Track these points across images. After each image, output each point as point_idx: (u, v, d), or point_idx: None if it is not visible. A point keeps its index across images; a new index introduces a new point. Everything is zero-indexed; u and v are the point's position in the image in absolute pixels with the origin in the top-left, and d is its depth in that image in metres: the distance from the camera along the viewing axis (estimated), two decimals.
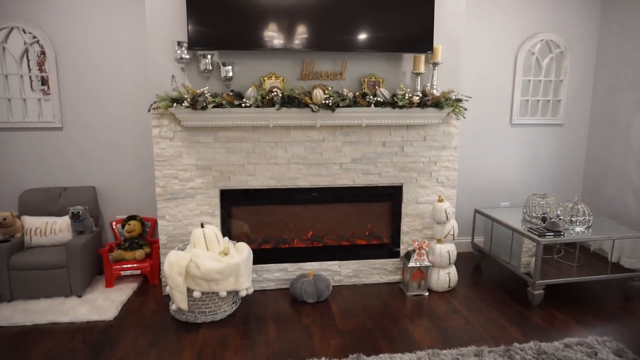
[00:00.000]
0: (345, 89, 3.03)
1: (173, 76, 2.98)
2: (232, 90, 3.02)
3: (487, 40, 3.86)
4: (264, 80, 3.08)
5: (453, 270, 3.37)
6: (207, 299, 2.81)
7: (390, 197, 3.44)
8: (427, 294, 3.31)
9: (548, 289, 3.26)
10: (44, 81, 3.48)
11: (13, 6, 3.31)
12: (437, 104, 3.09)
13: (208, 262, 2.74)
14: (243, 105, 2.92)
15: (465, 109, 3.22)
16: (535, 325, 2.87)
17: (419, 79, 3.20)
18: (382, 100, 3.03)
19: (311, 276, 3.20)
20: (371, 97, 3.03)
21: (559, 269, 3.27)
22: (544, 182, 4.23)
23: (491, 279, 3.60)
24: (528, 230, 3.19)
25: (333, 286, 3.39)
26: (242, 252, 2.96)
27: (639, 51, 3.63)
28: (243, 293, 2.89)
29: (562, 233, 3.13)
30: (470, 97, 3.31)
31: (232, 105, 2.92)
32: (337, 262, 3.42)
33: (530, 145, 4.12)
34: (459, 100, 3.16)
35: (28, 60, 3.46)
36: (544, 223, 3.29)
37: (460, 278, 3.56)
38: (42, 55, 3.44)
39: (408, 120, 3.17)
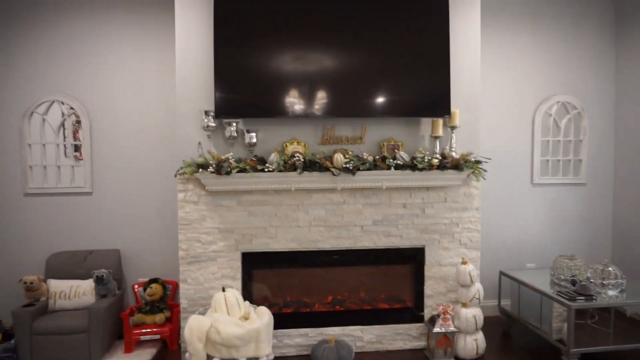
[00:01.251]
0: (365, 153, 3.10)
1: (200, 143, 3.11)
2: (255, 156, 3.12)
3: (504, 102, 3.95)
4: (286, 146, 3.18)
5: (480, 336, 3.24)
6: None
7: (412, 259, 3.39)
8: None
9: (583, 358, 3.08)
10: (77, 148, 3.67)
11: (54, 80, 3.57)
12: (457, 166, 3.12)
13: (229, 327, 2.70)
14: (266, 170, 3.00)
15: (485, 170, 3.24)
16: None
17: (437, 142, 3.26)
18: (401, 163, 3.09)
19: (333, 342, 3.11)
20: (391, 160, 3.09)
21: (594, 336, 3.11)
22: (570, 243, 4.12)
23: (521, 345, 3.44)
24: (557, 294, 3.08)
25: (355, 353, 3.28)
26: (263, 316, 2.92)
27: None
28: (263, 359, 2.82)
29: (593, 297, 3.01)
30: (489, 159, 3.35)
31: (255, 170, 3.00)
32: (359, 327, 3.33)
33: (553, 205, 4.07)
34: (479, 162, 3.19)
35: (64, 129, 3.67)
36: (573, 286, 3.18)
37: (489, 344, 3.41)
38: (77, 124, 3.65)
39: (428, 182, 3.20)
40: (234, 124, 3.07)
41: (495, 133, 3.94)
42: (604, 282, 3.21)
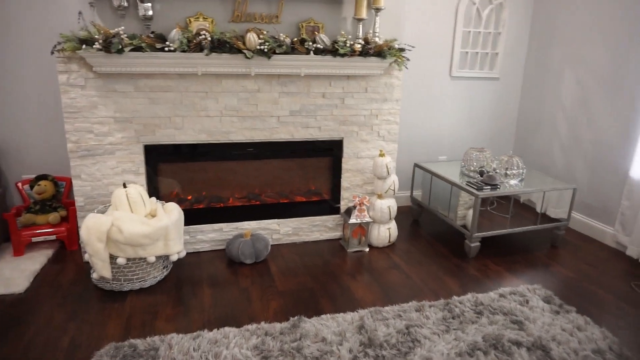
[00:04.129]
0: (282, 34, 2.76)
1: (80, 12, 2.55)
2: (153, 32, 2.65)
3: None
4: (190, 22, 2.73)
5: (393, 225, 3.34)
6: (134, 265, 2.56)
7: (330, 151, 3.29)
8: (367, 249, 3.27)
9: (483, 241, 3.33)
10: None
11: None
12: (380, 53, 2.93)
13: (132, 225, 2.47)
14: (166, 49, 2.58)
15: (408, 59, 3.09)
16: (472, 277, 2.93)
17: (360, 26, 2.99)
18: (322, 47, 2.81)
19: (248, 236, 3.03)
20: (310, 43, 2.80)
21: (493, 221, 3.34)
22: (480, 136, 4.28)
23: (430, 232, 3.64)
24: (466, 184, 3.21)
25: (272, 245, 3.25)
26: (172, 213, 2.71)
27: (571, 6, 3.65)
28: (174, 257, 2.67)
29: (498, 186, 3.17)
30: (413, 47, 3.18)
31: (153, 48, 2.57)
32: (276, 220, 3.27)
33: (468, 99, 4.11)
34: (402, 50, 3.02)
35: None
36: (481, 176, 3.32)
37: (400, 232, 3.56)
38: None
39: (349, 70, 2.99)
40: None
41: (418, 21, 3.75)
42: (508, 172, 3.39)
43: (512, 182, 3.35)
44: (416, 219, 3.90)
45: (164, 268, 2.74)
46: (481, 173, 3.34)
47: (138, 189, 2.67)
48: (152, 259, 2.55)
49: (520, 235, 3.60)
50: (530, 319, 2.44)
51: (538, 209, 3.76)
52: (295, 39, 2.81)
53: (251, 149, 3.10)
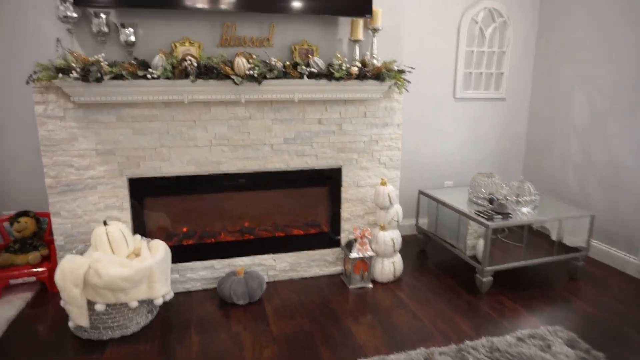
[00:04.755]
0: (273, 58, 2.60)
1: (58, 40, 2.40)
2: (135, 58, 2.49)
3: (429, 5, 3.55)
4: (176, 47, 2.58)
5: (398, 258, 3.10)
6: (114, 312, 2.34)
7: (328, 180, 3.08)
8: (371, 286, 3.02)
9: (495, 274, 3.08)
10: None
11: None
12: (378, 75, 2.75)
13: (112, 268, 2.25)
14: (149, 76, 2.41)
15: (409, 82, 2.91)
16: (485, 316, 2.67)
17: (357, 48, 2.83)
18: (316, 71, 2.64)
19: (242, 274, 2.80)
20: (304, 67, 2.63)
21: (505, 251, 3.09)
22: (487, 160, 4.06)
23: (437, 264, 3.39)
24: (476, 213, 2.98)
25: (268, 282, 3.02)
26: (157, 251, 2.50)
27: (580, 23, 3.48)
28: (159, 301, 2.44)
29: (510, 215, 2.94)
30: (413, 69, 3.00)
31: (135, 76, 2.40)
32: (272, 255, 3.04)
33: (474, 121, 3.92)
34: (402, 72, 2.84)
35: None
36: (491, 204, 3.09)
37: (406, 265, 3.32)
38: None
39: (346, 94, 2.81)
40: (103, 16, 2.38)
41: (419, 41, 3.58)
42: (519, 199, 3.16)
43: (525, 209, 3.12)
44: (422, 249, 3.66)
45: (148, 312, 2.51)
46: (491, 201, 3.12)
47: (120, 227, 2.46)
48: (134, 304, 2.33)
49: (535, 266, 3.34)
50: None
51: (553, 237, 3.51)
52: (288, 62, 2.64)
53: (243, 180, 2.91)
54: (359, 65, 2.71)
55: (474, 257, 3.03)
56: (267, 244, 3.05)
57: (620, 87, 3.22)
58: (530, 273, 3.23)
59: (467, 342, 2.37)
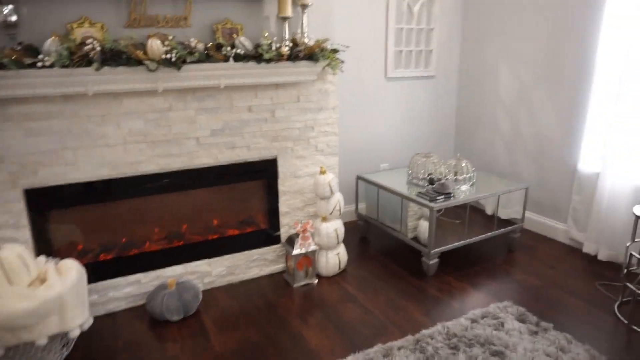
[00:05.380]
0: (193, 39, 2.27)
1: None
2: (20, 43, 2.04)
3: None
4: (73, 28, 2.15)
5: (342, 249, 2.95)
6: (18, 355, 1.93)
7: (263, 173, 2.83)
8: (316, 281, 2.85)
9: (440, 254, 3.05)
10: None
11: None
12: (312, 56, 2.52)
13: (8, 302, 1.84)
14: (40, 64, 1.98)
15: (343, 62, 2.71)
16: (436, 300, 2.61)
17: (286, 26, 2.57)
18: (243, 52, 2.35)
19: (173, 286, 2.49)
20: (229, 48, 2.33)
21: (447, 231, 3.05)
22: (422, 139, 4.03)
23: (381, 250, 3.29)
24: (418, 195, 2.90)
25: (204, 291, 2.72)
26: (68, 274, 2.10)
27: None
28: (75, 332, 2.06)
29: (452, 194, 2.90)
30: (347, 47, 2.81)
31: (21, 65, 1.96)
32: (206, 260, 2.75)
33: (406, 101, 3.84)
34: (336, 51, 2.64)
35: None
36: (431, 185, 3.03)
37: (350, 255, 3.17)
38: None
39: (277, 77, 2.56)
40: None
41: (348, 18, 3.40)
42: (458, 177, 3.13)
43: (464, 187, 3.10)
44: (364, 235, 3.55)
45: (63, 347, 2.12)
46: (431, 181, 3.06)
47: (17, 250, 2.03)
48: (42, 341, 1.93)
49: (476, 242, 3.36)
50: (510, 346, 2.16)
51: (488, 212, 3.57)
52: (211, 44, 2.33)
53: (167, 180, 2.56)
54: (290, 45, 2.46)
55: (416, 239, 2.97)
56: (200, 249, 2.75)
57: (543, 61, 3.28)
58: (471, 250, 3.24)
59: (424, 332, 2.28)
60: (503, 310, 2.46)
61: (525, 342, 2.18)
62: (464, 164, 3.14)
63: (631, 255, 2.43)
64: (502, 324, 2.33)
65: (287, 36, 2.56)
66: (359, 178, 3.42)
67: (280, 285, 2.81)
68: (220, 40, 2.38)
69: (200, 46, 2.26)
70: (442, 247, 2.87)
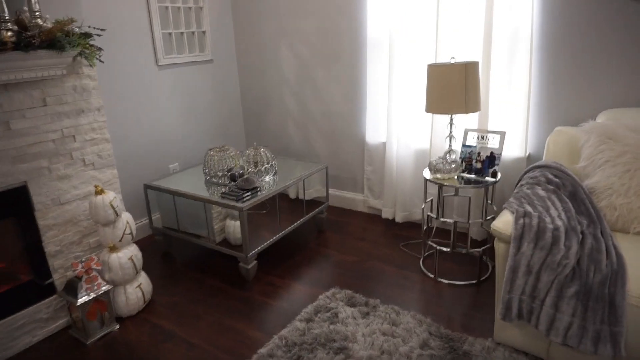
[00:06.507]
0: None
1: None
2: None
3: None
4: None
5: (143, 278, 2.42)
6: None
7: (10, 208, 2.06)
8: (117, 327, 2.27)
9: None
10: None
11: None
12: (53, 43, 1.87)
13: None
14: None
15: (101, 49, 2.12)
16: (264, 307, 2.37)
17: (3, 1, 1.83)
18: None
19: None
20: None
21: (257, 225, 2.81)
22: (210, 131, 3.66)
23: (190, 264, 2.86)
24: (222, 197, 2.56)
25: None
26: None
27: None
28: None
29: (258, 188, 2.66)
30: (103, 30, 2.18)
31: None
32: None
33: (185, 90, 3.39)
34: (88, 36, 2.03)
35: None
36: (234, 181, 2.73)
37: (154, 282, 2.66)
38: None
39: (3, 74, 1.83)
40: None
41: None
42: (260, 168, 2.91)
43: (267, 178, 2.90)
44: (166, 251, 3.04)
45: None
46: (232, 177, 2.75)
47: None
48: None
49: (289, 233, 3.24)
50: (349, 337, 2.07)
51: (292, 195, 3.49)
52: None
53: None
54: (15, 28, 1.76)
55: (226, 242, 2.67)
56: None
57: (320, 39, 3.28)
58: (283, 240, 3.10)
59: (261, 351, 2.01)
60: (332, 299, 2.37)
61: (361, 327, 2.13)
62: (262, 153, 2.93)
63: (428, 216, 2.62)
64: (337, 315, 2.23)
65: (7, 16, 1.83)
66: (147, 187, 2.87)
67: (68, 347, 2.14)
68: None
69: None
70: (259, 247, 2.63)
